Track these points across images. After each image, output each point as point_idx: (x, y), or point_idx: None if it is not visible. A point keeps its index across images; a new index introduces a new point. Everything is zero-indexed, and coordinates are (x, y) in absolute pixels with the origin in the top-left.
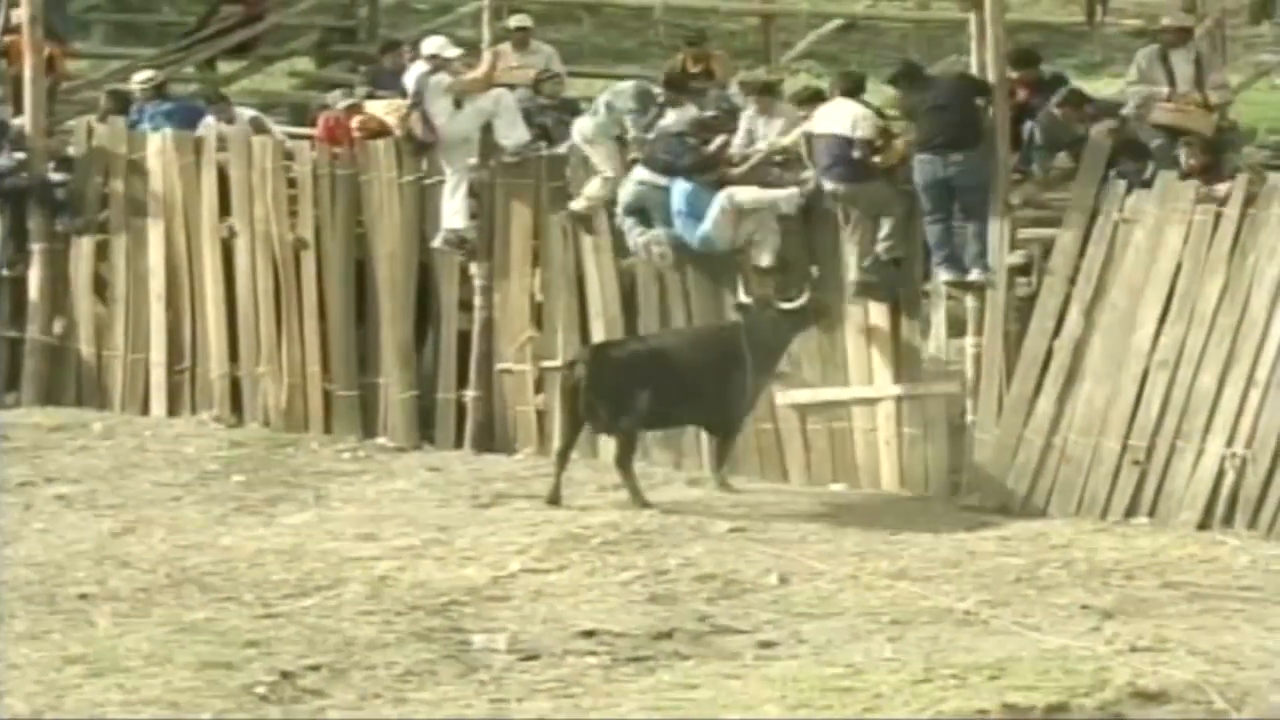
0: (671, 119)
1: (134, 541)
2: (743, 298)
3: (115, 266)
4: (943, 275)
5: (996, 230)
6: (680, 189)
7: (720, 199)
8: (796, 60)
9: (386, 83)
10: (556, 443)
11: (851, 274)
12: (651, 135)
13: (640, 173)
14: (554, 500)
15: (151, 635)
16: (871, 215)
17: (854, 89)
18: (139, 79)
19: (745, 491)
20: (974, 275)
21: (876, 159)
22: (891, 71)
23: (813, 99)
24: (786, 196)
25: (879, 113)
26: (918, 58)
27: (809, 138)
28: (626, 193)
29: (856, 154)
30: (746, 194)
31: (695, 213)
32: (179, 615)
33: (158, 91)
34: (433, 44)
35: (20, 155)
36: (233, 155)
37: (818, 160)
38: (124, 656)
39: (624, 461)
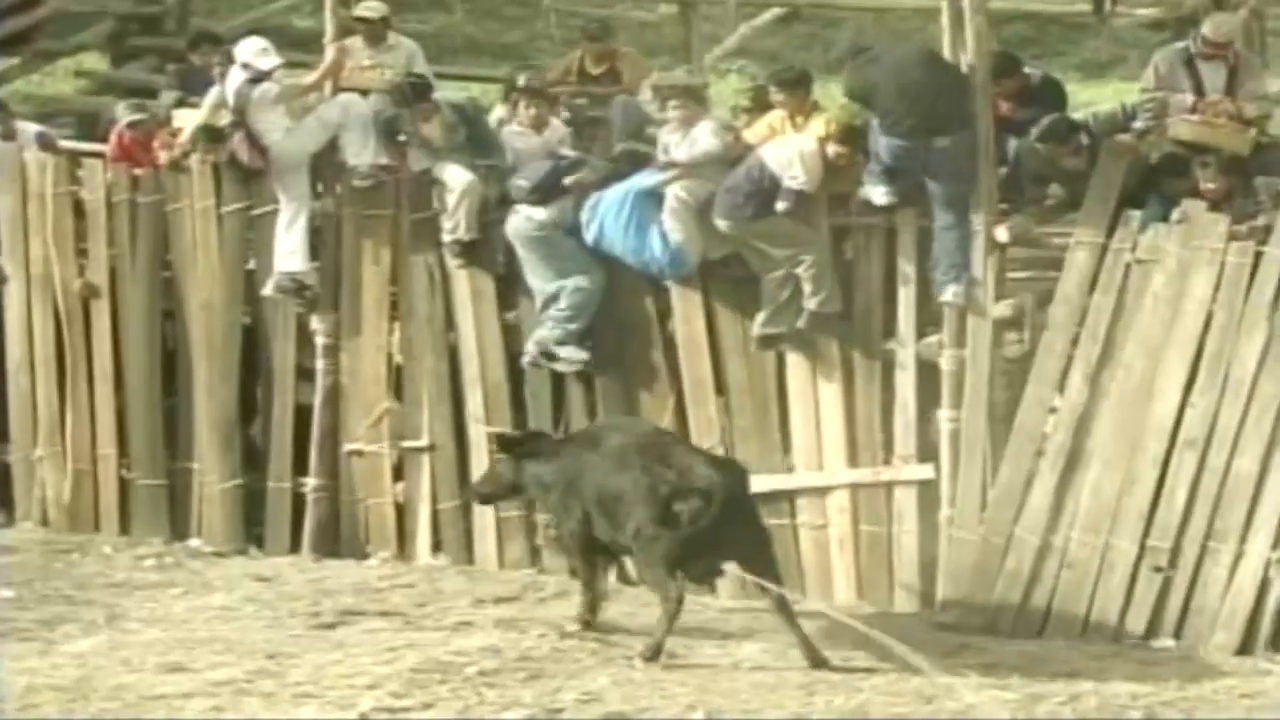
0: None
1: None
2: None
3: None
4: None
5: (979, 274)
6: (617, 196)
7: (674, 194)
8: (725, 58)
9: (199, 86)
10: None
11: (759, 323)
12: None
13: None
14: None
15: None
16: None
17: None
18: None
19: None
20: (948, 295)
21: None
22: (847, 49)
23: (757, 107)
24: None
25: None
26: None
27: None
28: (521, 231)
29: (780, 204)
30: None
31: (643, 221)
32: None
33: None
34: (246, 48)
35: None
36: (2, 179)
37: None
38: None
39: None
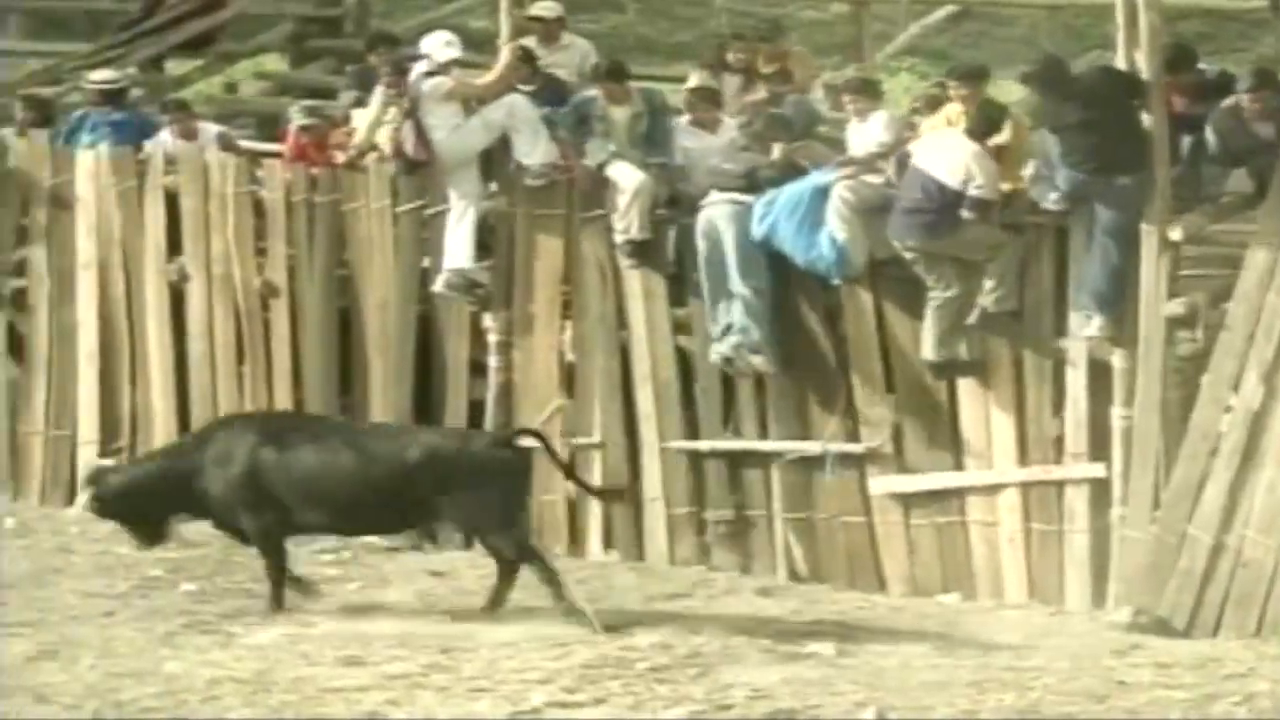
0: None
1: (55, 669)
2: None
3: (35, 320)
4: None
5: (1151, 271)
6: (793, 194)
7: (837, 194)
8: (895, 56)
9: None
10: None
11: (927, 349)
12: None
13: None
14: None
15: None
16: (969, 266)
17: (990, 126)
18: (94, 79)
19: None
20: (1091, 329)
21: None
22: (1027, 69)
23: (929, 108)
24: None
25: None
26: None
27: (901, 160)
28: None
29: (965, 213)
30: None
31: (816, 221)
32: None
33: (110, 98)
34: (430, 41)
35: None
36: (185, 178)
37: (900, 195)
38: None
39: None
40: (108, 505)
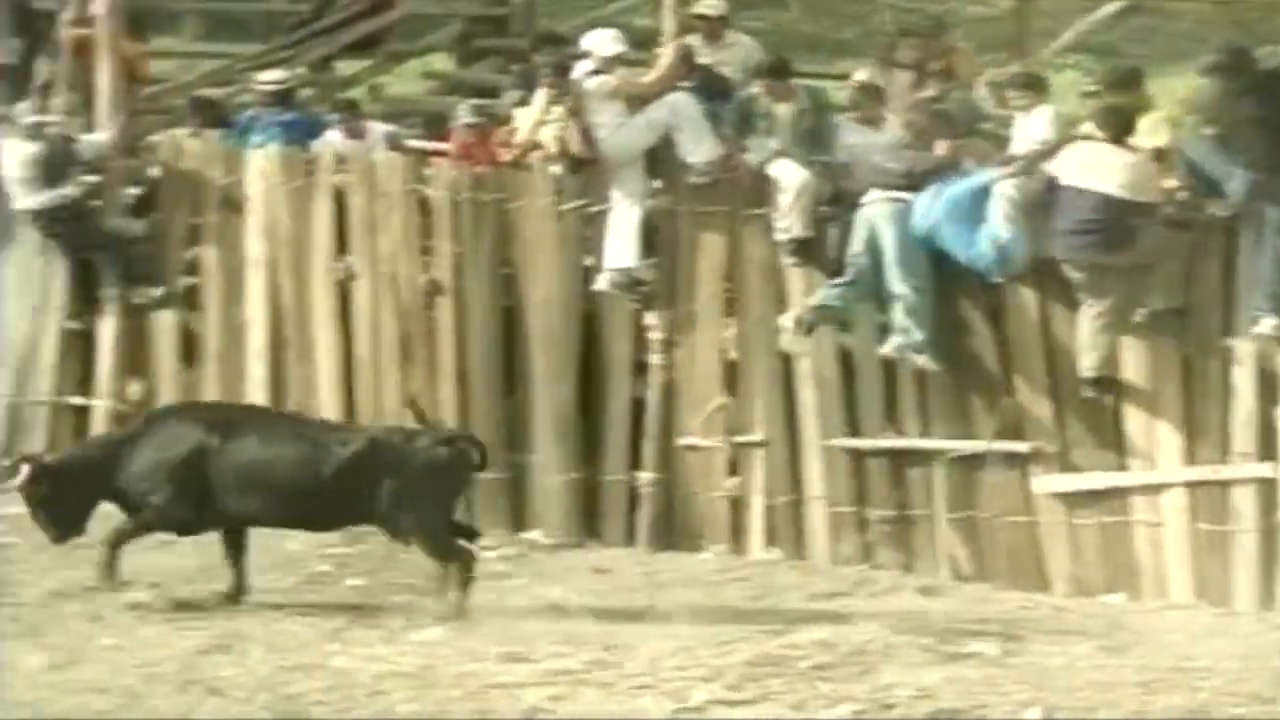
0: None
1: (225, 662)
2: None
3: (206, 317)
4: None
5: None
6: (957, 191)
7: (1000, 192)
8: (1061, 53)
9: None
10: None
11: (1086, 364)
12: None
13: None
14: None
15: None
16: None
17: (1123, 130)
18: (264, 79)
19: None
20: (1265, 327)
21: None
22: (1209, 58)
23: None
24: None
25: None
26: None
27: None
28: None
29: (1136, 222)
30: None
31: (978, 218)
32: None
33: (279, 98)
34: (594, 39)
35: (92, 179)
36: (353, 178)
37: (1058, 218)
38: None
39: None
40: (43, 486)
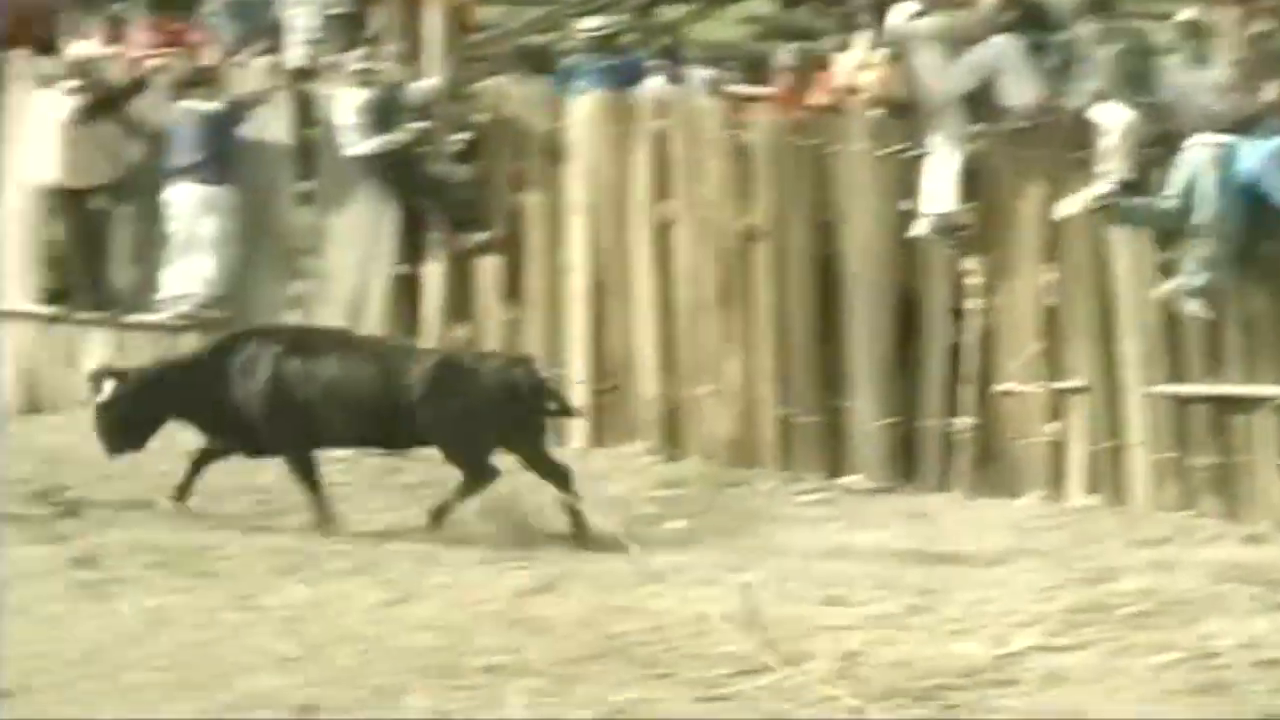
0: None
1: (550, 602)
2: None
3: (530, 261)
4: None
5: None
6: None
7: None
8: None
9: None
10: None
11: None
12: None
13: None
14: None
15: None
16: None
17: None
18: (587, 25)
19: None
20: None
21: None
22: None
23: None
24: None
25: None
26: None
27: None
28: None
29: None
30: None
31: None
32: (604, 695)
33: (601, 44)
34: None
35: (421, 125)
36: (673, 123)
37: None
38: None
39: None
40: (120, 403)
